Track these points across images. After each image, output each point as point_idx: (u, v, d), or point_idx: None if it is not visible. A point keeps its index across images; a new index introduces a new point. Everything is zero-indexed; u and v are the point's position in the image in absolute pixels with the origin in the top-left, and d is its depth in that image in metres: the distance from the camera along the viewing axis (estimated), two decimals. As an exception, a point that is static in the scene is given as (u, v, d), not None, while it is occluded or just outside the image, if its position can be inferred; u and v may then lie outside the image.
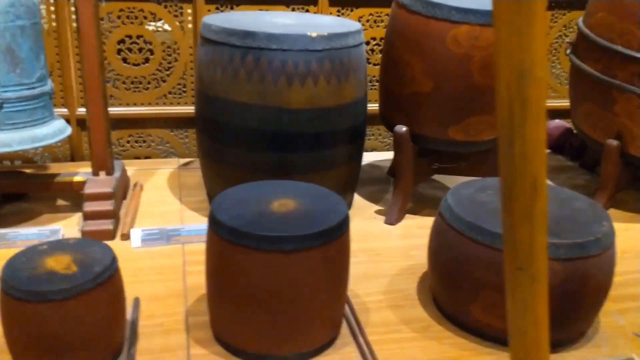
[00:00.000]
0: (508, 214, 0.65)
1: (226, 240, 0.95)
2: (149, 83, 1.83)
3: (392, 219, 1.54)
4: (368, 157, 1.97)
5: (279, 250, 0.93)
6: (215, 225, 0.97)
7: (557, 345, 1.06)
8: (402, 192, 1.54)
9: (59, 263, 0.93)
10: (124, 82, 1.82)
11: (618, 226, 1.59)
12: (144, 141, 1.89)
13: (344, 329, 1.11)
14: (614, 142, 1.57)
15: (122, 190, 1.53)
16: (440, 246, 1.14)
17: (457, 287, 1.10)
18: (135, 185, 1.63)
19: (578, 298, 1.03)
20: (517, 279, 0.67)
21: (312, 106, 1.35)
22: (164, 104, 1.86)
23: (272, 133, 1.36)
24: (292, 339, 1.00)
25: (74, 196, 1.52)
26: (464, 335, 1.10)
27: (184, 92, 1.87)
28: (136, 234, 1.38)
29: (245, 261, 0.95)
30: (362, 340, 1.08)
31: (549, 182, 1.96)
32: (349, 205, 1.61)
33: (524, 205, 0.63)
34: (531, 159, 0.62)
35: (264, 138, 1.36)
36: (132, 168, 1.75)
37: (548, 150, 2.16)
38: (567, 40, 2.04)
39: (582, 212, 1.11)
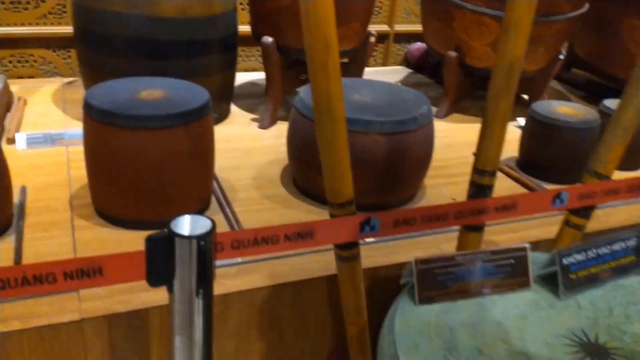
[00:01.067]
0: (311, 72, 0.85)
1: (98, 122, 1.10)
2: (28, 3, 1.88)
3: (265, 124, 1.72)
4: (247, 77, 2.15)
5: (144, 127, 1.09)
6: (88, 109, 1.12)
7: (389, 206, 1.30)
8: (272, 99, 1.72)
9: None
10: (2, 2, 1.85)
11: (459, 126, 1.88)
12: (27, 61, 1.95)
13: (214, 204, 1.30)
14: (453, 54, 1.83)
15: (4, 103, 1.61)
16: (294, 132, 1.34)
17: (308, 165, 1.31)
18: (19, 99, 1.71)
19: (401, 166, 1.27)
20: (321, 121, 0.87)
21: (183, 15, 1.49)
22: (45, 24, 1.92)
23: (146, 41, 1.49)
24: (164, 208, 1.17)
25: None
26: (314, 203, 1.33)
27: (64, 12, 1.93)
28: (21, 137, 1.48)
29: (115, 139, 1.10)
30: (229, 210, 1.27)
31: (402, 75, 2.23)
32: (226, 113, 1.78)
33: (320, 62, 0.83)
34: (322, 24, 0.81)
35: (138, 46, 1.49)
36: (16, 86, 1.81)
37: (411, 70, 2.42)
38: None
39: (408, 100, 1.35)
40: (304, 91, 1.34)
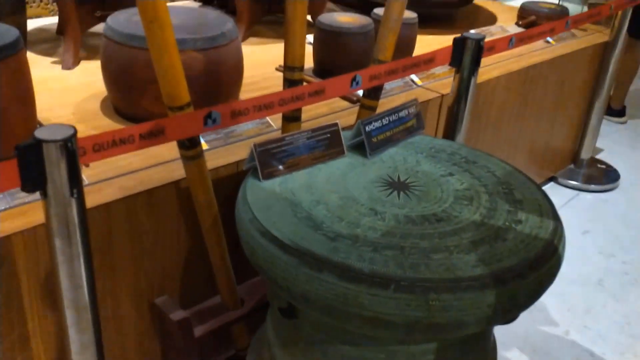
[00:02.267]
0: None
1: None
2: None
3: (69, 64, 1.71)
4: (32, 24, 2.06)
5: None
6: None
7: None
8: (71, 39, 1.71)
9: None
10: None
11: (258, 47, 2.03)
12: None
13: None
14: (240, -20, 1.97)
15: None
16: (109, 61, 1.39)
17: (129, 89, 1.37)
18: None
19: (219, 79, 1.41)
20: (151, 30, 0.96)
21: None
22: None
23: None
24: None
25: None
26: (143, 126, 1.41)
27: None
28: None
29: None
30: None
31: (195, 5, 2.33)
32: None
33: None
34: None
35: None
36: None
37: (199, 3, 2.51)
38: None
39: (213, 19, 1.47)
40: (111, 20, 1.38)
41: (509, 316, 0.92)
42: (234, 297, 1.31)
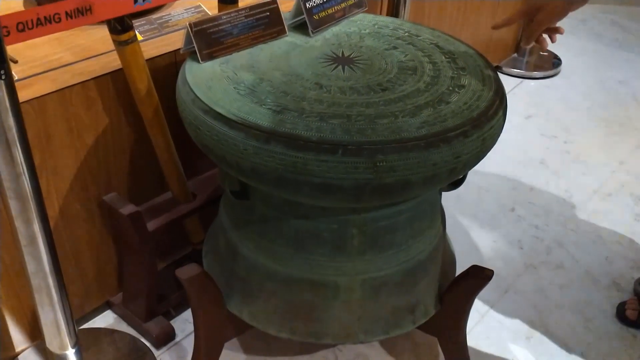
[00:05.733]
0: None
1: None
2: None
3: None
4: None
5: None
6: None
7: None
8: None
9: None
10: None
11: None
12: None
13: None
14: None
15: None
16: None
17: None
18: None
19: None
20: None
21: None
22: None
23: None
24: None
25: None
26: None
27: None
28: None
29: None
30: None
31: None
32: None
33: None
34: None
35: None
36: None
37: None
38: None
39: None
40: None
41: (453, 176, 0.94)
42: (184, 190, 1.30)
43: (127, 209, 1.20)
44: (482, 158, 0.98)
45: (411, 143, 0.88)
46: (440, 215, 1.19)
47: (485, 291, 1.22)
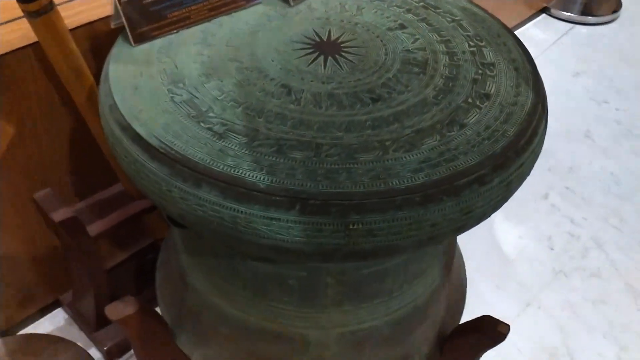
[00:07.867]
0: None
1: None
2: None
3: None
4: None
5: None
6: None
7: None
8: None
9: None
10: None
11: None
12: None
13: None
14: None
15: None
16: None
17: None
18: None
19: None
20: None
21: None
22: None
23: None
24: None
25: None
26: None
27: None
28: None
29: None
30: None
31: None
32: None
33: None
34: None
35: None
36: None
37: None
38: None
39: None
40: None
41: (458, 233, 0.68)
42: (138, 186, 1.06)
43: (59, 213, 0.97)
44: (504, 203, 0.72)
45: (401, 197, 0.61)
46: (447, 245, 0.94)
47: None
